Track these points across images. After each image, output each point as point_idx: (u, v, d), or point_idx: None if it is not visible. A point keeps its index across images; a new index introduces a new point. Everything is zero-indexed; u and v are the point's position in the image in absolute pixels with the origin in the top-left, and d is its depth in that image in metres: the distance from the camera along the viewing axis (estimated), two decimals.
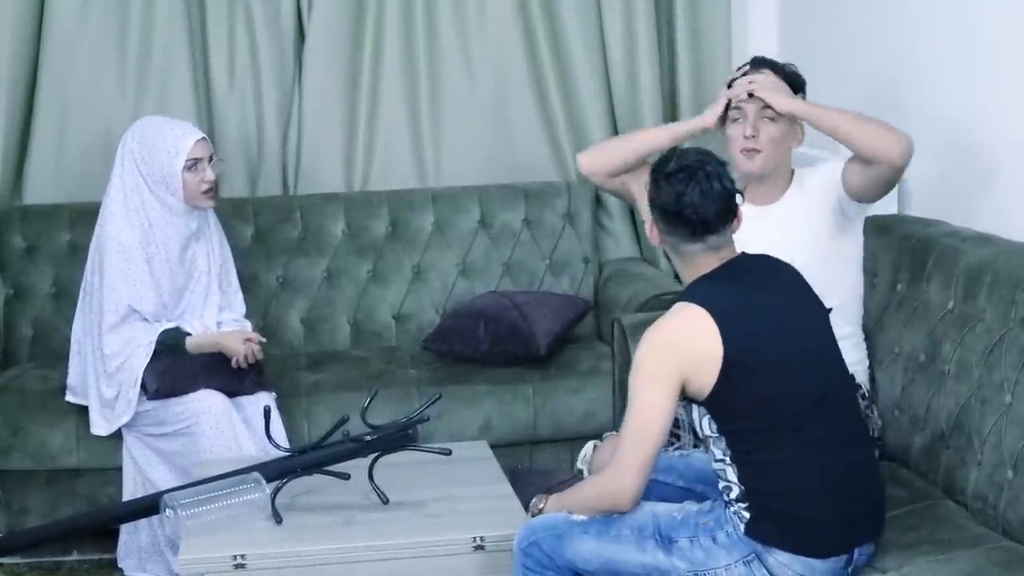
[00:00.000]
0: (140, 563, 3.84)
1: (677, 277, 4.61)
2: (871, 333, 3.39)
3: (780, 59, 4.55)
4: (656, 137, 3.46)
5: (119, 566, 3.88)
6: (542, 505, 2.85)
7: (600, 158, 3.52)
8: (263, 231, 4.53)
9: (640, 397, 2.61)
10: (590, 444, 3.21)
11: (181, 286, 3.87)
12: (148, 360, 3.75)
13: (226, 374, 3.82)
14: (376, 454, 3.16)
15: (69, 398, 3.94)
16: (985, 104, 3.37)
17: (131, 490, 3.84)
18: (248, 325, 4.05)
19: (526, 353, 4.18)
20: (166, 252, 3.81)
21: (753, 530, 2.60)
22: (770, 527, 2.59)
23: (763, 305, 2.66)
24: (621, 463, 2.63)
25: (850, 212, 3.31)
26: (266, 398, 3.86)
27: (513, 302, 4.28)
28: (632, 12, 4.68)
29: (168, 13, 4.52)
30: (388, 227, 4.60)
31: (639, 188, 3.19)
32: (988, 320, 2.94)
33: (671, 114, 4.80)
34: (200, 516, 3.03)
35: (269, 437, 3.23)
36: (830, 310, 3.04)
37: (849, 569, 2.64)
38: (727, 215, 2.65)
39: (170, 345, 3.79)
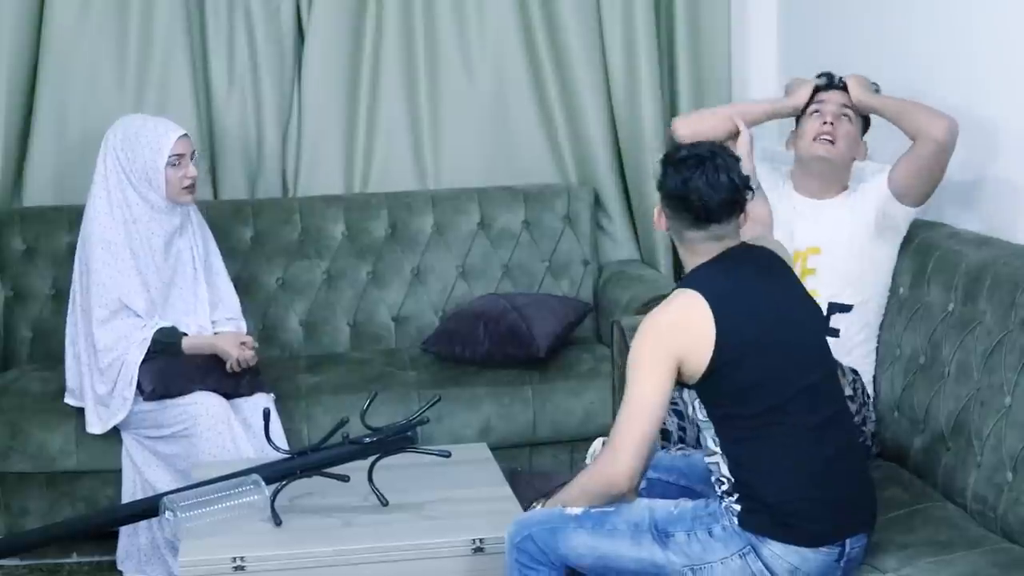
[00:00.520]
0: (139, 565, 3.84)
1: (678, 278, 4.65)
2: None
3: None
4: (752, 110, 3.56)
5: (118, 568, 3.87)
6: (538, 507, 2.85)
7: (700, 124, 3.54)
8: (262, 233, 4.53)
9: (636, 379, 2.63)
10: (599, 440, 3.21)
11: (168, 281, 3.88)
12: (143, 357, 3.75)
13: (222, 375, 3.83)
14: (376, 456, 3.16)
15: (68, 400, 3.94)
16: (985, 105, 3.37)
17: (130, 492, 3.84)
18: (243, 323, 4.06)
19: (526, 355, 4.18)
20: (150, 247, 3.83)
21: (745, 521, 2.62)
22: (761, 517, 2.61)
23: (757, 293, 2.69)
24: (615, 444, 2.64)
25: (893, 214, 3.33)
26: (264, 400, 3.86)
27: (513, 304, 4.28)
28: (631, 14, 4.68)
29: (167, 16, 4.52)
30: (388, 229, 4.60)
31: None
32: (988, 322, 2.94)
33: (671, 115, 4.79)
34: (200, 518, 3.03)
35: (269, 439, 3.23)
36: (850, 307, 3.06)
37: (842, 562, 2.65)
38: (732, 207, 2.67)
39: (166, 344, 3.80)
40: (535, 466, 4.11)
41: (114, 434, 3.87)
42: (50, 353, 4.25)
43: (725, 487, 2.65)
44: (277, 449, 3.25)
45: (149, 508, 3.28)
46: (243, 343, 3.85)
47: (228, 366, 3.82)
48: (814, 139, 3.40)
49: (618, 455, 2.63)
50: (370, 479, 3.13)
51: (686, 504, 2.72)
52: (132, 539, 3.84)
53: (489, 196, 4.66)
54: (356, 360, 4.38)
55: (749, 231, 2.81)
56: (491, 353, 4.20)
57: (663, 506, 2.72)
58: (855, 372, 3.30)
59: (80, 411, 3.89)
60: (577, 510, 2.74)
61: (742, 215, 2.70)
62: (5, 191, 4.51)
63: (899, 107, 3.35)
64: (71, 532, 3.64)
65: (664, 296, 4.08)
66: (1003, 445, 2.80)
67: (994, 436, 2.82)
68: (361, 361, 4.36)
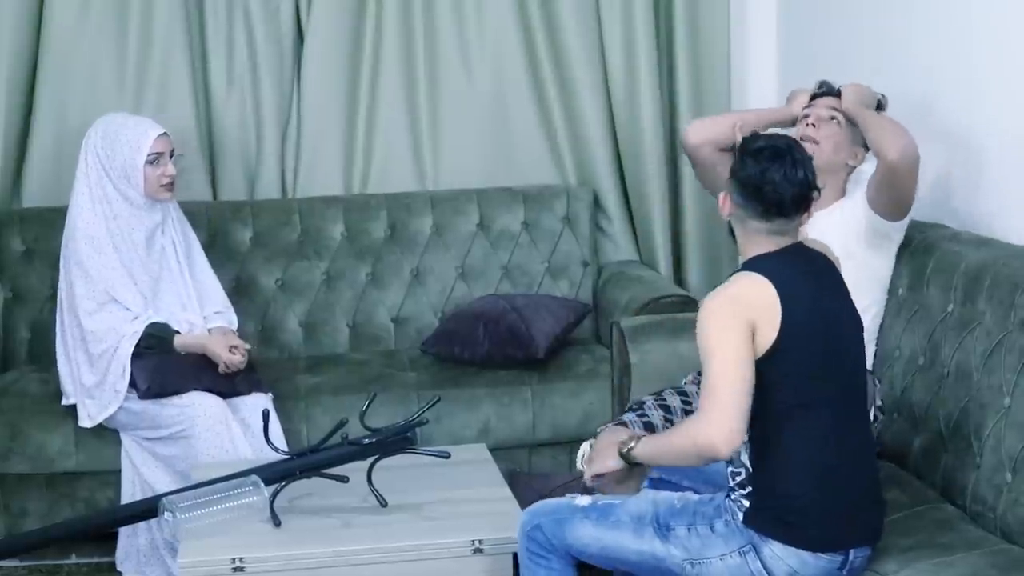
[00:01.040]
0: (139, 566, 3.84)
1: (678, 279, 4.66)
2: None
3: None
4: (752, 118, 3.57)
5: (118, 569, 3.87)
6: (632, 444, 2.77)
7: (709, 131, 3.58)
8: (262, 234, 4.53)
9: (716, 346, 2.56)
10: (586, 443, 3.22)
11: (156, 276, 3.90)
12: (132, 350, 3.77)
13: (217, 374, 3.84)
14: (375, 457, 3.16)
15: (64, 401, 3.94)
16: (984, 107, 3.37)
17: (130, 493, 3.84)
18: (232, 315, 4.07)
19: (525, 356, 4.18)
20: (132, 242, 3.86)
21: (751, 518, 2.62)
22: (768, 516, 2.60)
23: (813, 290, 2.66)
24: (708, 408, 2.54)
25: (879, 228, 3.31)
26: (263, 400, 3.86)
27: (512, 305, 4.28)
28: (631, 14, 4.68)
29: (167, 17, 4.52)
30: (387, 230, 4.60)
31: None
32: (987, 323, 2.94)
33: (670, 117, 4.80)
34: (199, 519, 3.03)
35: (268, 440, 3.23)
36: None
37: (844, 571, 2.64)
38: (801, 203, 2.66)
39: (159, 337, 3.81)
40: (534, 467, 4.11)
41: (113, 435, 3.87)
42: (49, 354, 4.24)
43: (741, 477, 2.64)
44: (276, 450, 3.25)
45: (148, 509, 3.28)
46: (233, 346, 3.86)
47: (221, 367, 3.83)
48: (799, 139, 3.38)
49: (712, 417, 2.53)
50: (369, 480, 3.13)
51: (691, 497, 2.73)
52: (131, 540, 3.84)
53: (488, 197, 4.66)
54: (355, 361, 4.38)
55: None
56: (490, 354, 4.20)
57: (667, 499, 2.74)
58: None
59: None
60: (584, 502, 2.77)
61: (806, 214, 2.69)
62: (4, 192, 4.51)
63: (869, 122, 3.33)
64: (70, 533, 3.64)
65: (662, 299, 4.15)
66: (1002, 446, 2.80)
67: (993, 437, 2.82)
68: (360, 362, 4.36)
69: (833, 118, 3.41)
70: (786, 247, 2.68)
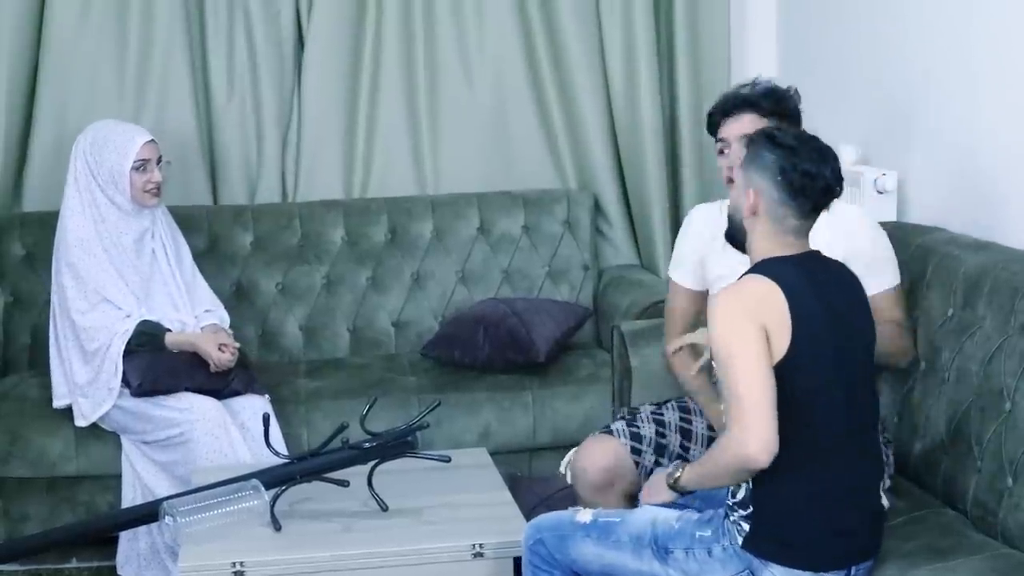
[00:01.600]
0: (139, 570, 3.84)
1: None
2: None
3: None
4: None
5: (118, 573, 3.87)
6: (678, 474, 2.73)
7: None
8: (262, 238, 4.53)
9: (736, 354, 2.51)
10: (572, 451, 3.23)
11: (146, 277, 3.92)
12: (124, 348, 3.78)
13: (211, 372, 3.85)
14: (375, 461, 3.16)
15: (56, 404, 3.94)
16: (983, 110, 3.37)
17: (130, 497, 3.84)
18: (223, 313, 4.09)
19: (525, 360, 4.18)
20: (121, 246, 3.90)
21: (751, 542, 2.58)
22: (769, 538, 2.56)
23: (827, 302, 2.60)
24: (739, 419, 2.49)
25: None
26: (260, 403, 3.87)
27: (512, 309, 4.28)
28: (631, 19, 4.68)
29: (168, 21, 4.53)
30: (387, 234, 4.60)
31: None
32: (987, 327, 2.94)
33: (671, 120, 4.80)
34: (199, 523, 3.03)
35: (268, 444, 3.23)
36: None
37: None
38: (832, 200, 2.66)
39: (150, 335, 3.83)
40: (535, 471, 4.10)
41: (114, 439, 3.88)
42: (49, 359, 4.25)
43: (740, 496, 2.60)
44: (277, 454, 3.25)
45: (149, 513, 3.28)
46: (223, 345, 3.87)
47: (212, 367, 3.85)
48: (726, 181, 3.16)
49: (750, 427, 2.47)
50: (370, 484, 3.13)
51: (689, 517, 2.69)
52: (132, 544, 3.84)
53: (489, 201, 4.67)
54: (356, 365, 4.38)
55: None
56: (491, 358, 4.20)
57: (665, 519, 2.70)
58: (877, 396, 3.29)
59: None
60: (586, 518, 2.76)
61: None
62: (5, 196, 4.51)
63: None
64: (71, 537, 3.64)
65: (663, 303, 4.13)
66: (1003, 451, 2.79)
67: (994, 442, 2.82)
68: (361, 366, 4.36)
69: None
70: (803, 252, 2.64)
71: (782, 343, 2.52)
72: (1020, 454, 2.75)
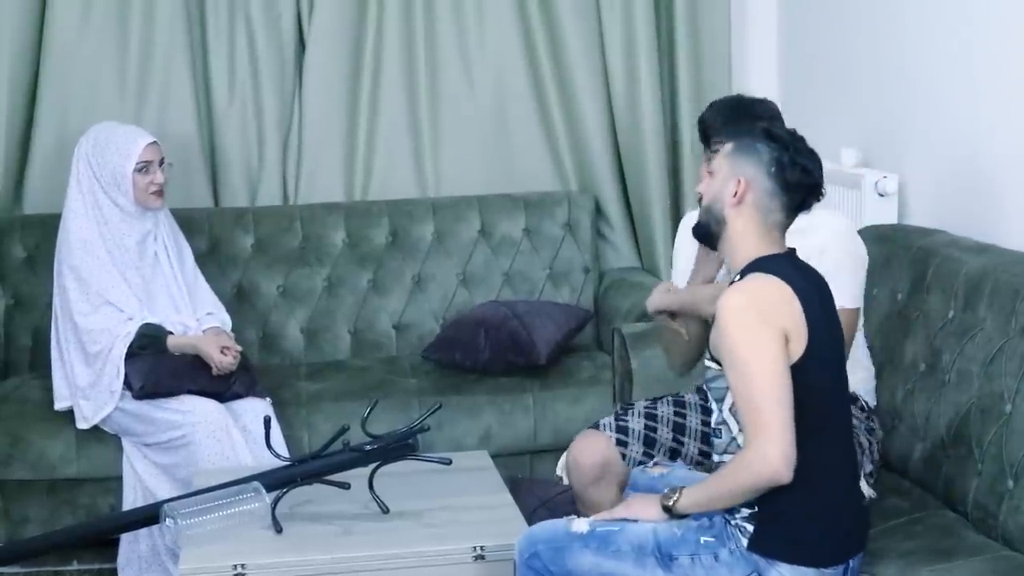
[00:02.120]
0: (140, 572, 3.84)
1: None
2: (871, 342, 3.39)
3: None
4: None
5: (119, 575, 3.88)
6: (675, 498, 2.63)
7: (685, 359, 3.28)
8: (263, 241, 4.54)
9: (751, 355, 2.44)
10: (565, 453, 3.23)
11: (149, 279, 3.92)
12: (126, 350, 3.78)
13: (211, 375, 3.85)
14: (376, 464, 3.16)
15: (58, 406, 3.94)
16: (983, 113, 3.37)
17: (131, 499, 3.84)
18: (225, 316, 4.09)
19: (526, 362, 4.18)
20: (124, 247, 3.89)
21: (756, 544, 2.55)
22: (775, 539, 2.54)
23: (819, 299, 2.59)
24: (759, 433, 2.42)
25: None
26: (262, 406, 3.87)
27: (513, 311, 4.28)
28: (632, 21, 4.69)
29: (168, 24, 4.53)
30: (388, 237, 4.60)
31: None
32: (988, 329, 2.94)
33: (671, 122, 4.80)
34: (200, 525, 3.03)
35: (269, 446, 3.23)
36: None
37: None
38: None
39: (152, 337, 3.83)
40: (536, 473, 4.11)
41: (115, 442, 3.88)
42: (51, 361, 4.25)
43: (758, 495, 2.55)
44: (278, 456, 3.25)
45: (150, 515, 3.28)
46: (225, 348, 3.87)
47: (214, 369, 3.85)
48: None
49: (771, 443, 2.41)
50: (371, 486, 3.13)
51: (690, 523, 2.63)
52: (133, 546, 3.84)
53: (489, 204, 4.67)
54: (357, 367, 4.38)
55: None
56: (492, 360, 4.20)
57: (666, 526, 2.64)
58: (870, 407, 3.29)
59: None
60: (583, 528, 2.68)
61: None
62: (6, 198, 4.52)
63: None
64: (72, 539, 3.64)
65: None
66: (1003, 453, 2.79)
67: (994, 444, 2.82)
68: (362, 368, 4.36)
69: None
70: (787, 252, 2.62)
71: (799, 345, 2.48)
72: (1021, 456, 2.75)
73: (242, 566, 2.90)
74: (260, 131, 4.68)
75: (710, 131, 3.12)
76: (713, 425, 2.66)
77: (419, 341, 4.53)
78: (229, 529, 3.04)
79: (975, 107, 3.40)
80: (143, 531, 3.74)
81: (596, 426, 3.23)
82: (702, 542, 2.60)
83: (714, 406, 2.64)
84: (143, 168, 3.87)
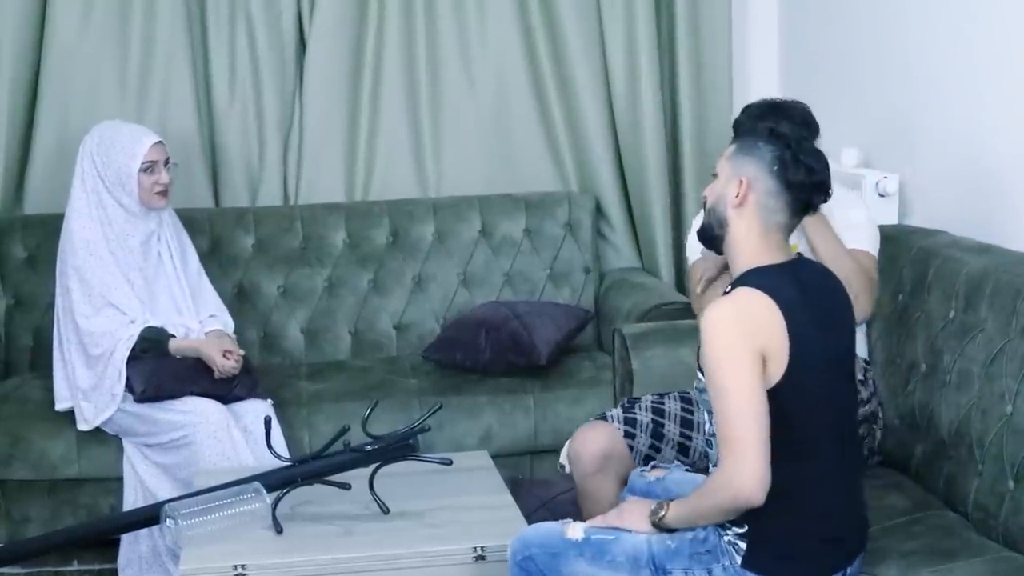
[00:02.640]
0: (140, 573, 3.84)
1: (679, 286, 4.65)
2: (871, 343, 3.39)
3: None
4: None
5: None
6: (663, 513, 2.62)
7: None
8: (264, 241, 4.54)
9: (729, 373, 2.42)
10: (568, 442, 3.24)
11: (152, 280, 3.91)
12: (128, 354, 3.78)
13: (214, 378, 3.85)
14: (377, 464, 3.16)
15: (58, 407, 3.94)
16: (985, 113, 3.37)
17: (132, 500, 3.84)
18: (228, 318, 4.09)
19: (527, 363, 4.18)
20: (127, 248, 3.88)
21: (750, 561, 2.53)
22: (768, 555, 2.52)
23: (816, 311, 2.54)
24: (736, 452, 2.41)
25: None
26: (263, 407, 3.87)
27: (514, 312, 4.28)
28: (633, 22, 4.69)
29: (169, 24, 4.53)
30: (389, 237, 4.60)
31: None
32: (989, 330, 2.94)
33: (672, 123, 4.80)
34: (201, 526, 3.03)
35: (270, 447, 3.23)
36: None
37: None
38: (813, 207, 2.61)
39: (153, 341, 3.82)
40: (536, 474, 4.10)
41: (115, 442, 3.88)
42: (51, 361, 4.25)
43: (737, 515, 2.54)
44: (278, 457, 3.25)
45: (150, 516, 3.28)
46: (227, 351, 3.86)
47: (216, 373, 3.84)
48: None
49: (742, 466, 2.40)
50: (371, 487, 3.13)
51: (684, 536, 2.61)
52: (133, 547, 3.84)
53: (490, 204, 4.67)
54: (357, 368, 4.38)
55: None
56: (492, 361, 4.20)
57: (660, 538, 2.62)
58: (867, 361, 3.29)
59: None
60: (578, 536, 2.66)
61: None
62: (7, 199, 4.52)
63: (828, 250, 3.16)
64: (72, 540, 3.64)
65: (664, 306, 4.15)
66: (1004, 453, 2.79)
67: (995, 444, 2.82)
68: (362, 369, 4.36)
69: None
70: (788, 260, 2.58)
71: (779, 366, 2.45)
72: (1021, 457, 2.75)
73: (242, 566, 2.90)
74: (261, 131, 4.68)
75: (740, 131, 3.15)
76: (706, 435, 2.65)
77: (419, 341, 4.53)
78: (230, 529, 3.04)
79: (976, 107, 3.40)
80: (144, 531, 3.74)
81: (603, 417, 3.24)
82: (696, 557, 2.58)
83: (705, 416, 2.62)
84: (148, 168, 3.85)
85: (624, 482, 3.13)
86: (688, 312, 4.12)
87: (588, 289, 4.67)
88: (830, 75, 4.19)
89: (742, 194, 2.56)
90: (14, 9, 4.44)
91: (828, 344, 2.56)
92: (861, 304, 3.12)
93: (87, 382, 3.83)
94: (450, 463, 3.22)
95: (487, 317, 4.30)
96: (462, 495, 3.25)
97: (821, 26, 4.29)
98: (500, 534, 2.95)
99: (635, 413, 3.23)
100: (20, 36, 4.47)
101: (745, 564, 2.54)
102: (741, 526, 2.53)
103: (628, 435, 3.19)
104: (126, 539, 3.85)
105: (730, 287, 2.56)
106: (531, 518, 3.20)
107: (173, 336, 3.87)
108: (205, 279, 4.10)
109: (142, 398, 3.78)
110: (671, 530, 2.62)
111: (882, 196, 3.72)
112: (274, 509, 3.08)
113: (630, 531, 2.64)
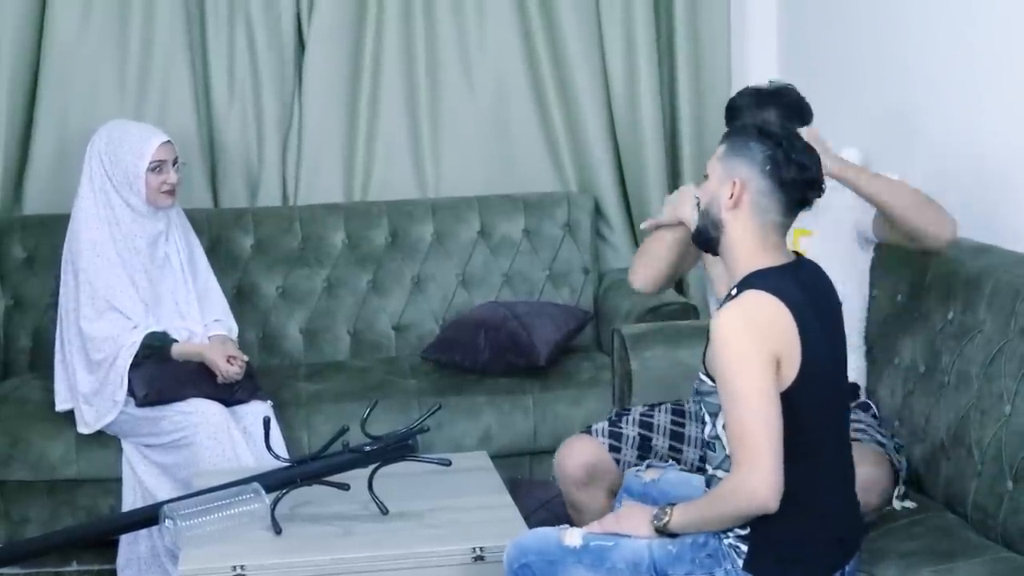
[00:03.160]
0: (140, 573, 3.84)
1: (679, 287, 4.65)
2: (871, 344, 3.39)
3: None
4: (675, 231, 3.30)
5: None
6: (667, 518, 2.58)
7: (648, 271, 3.38)
8: (263, 241, 4.54)
9: (744, 375, 2.40)
10: (557, 452, 3.24)
11: (157, 282, 3.90)
12: (131, 361, 3.77)
13: (216, 382, 3.84)
14: (376, 465, 3.16)
15: (59, 407, 3.94)
16: (985, 113, 3.37)
17: (131, 501, 3.84)
18: (232, 323, 4.08)
19: (526, 363, 4.18)
20: (134, 249, 3.86)
21: (752, 564, 2.52)
22: (771, 557, 2.51)
23: (819, 312, 2.54)
24: (750, 458, 2.38)
25: (868, 237, 3.30)
26: (263, 408, 3.87)
27: (513, 312, 4.28)
28: (632, 22, 4.69)
29: (168, 25, 4.53)
30: (388, 237, 4.60)
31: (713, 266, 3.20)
32: (988, 331, 2.94)
33: (671, 124, 4.80)
34: (200, 526, 3.03)
35: (269, 447, 3.23)
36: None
37: None
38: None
39: (156, 347, 3.81)
40: (535, 474, 4.10)
41: (114, 443, 3.88)
42: (51, 362, 4.25)
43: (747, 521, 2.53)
44: (277, 457, 3.25)
45: (149, 516, 3.28)
46: (231, 356, 3.86)
47: (219, 378, 3.83)
48: None
49: (757, 472, 2.38)
50: (370, 487, 3.13)
51: (685, 541, 2.59)
52: (132, 547, 3.84)
53: (489, 204, 4.67)
54: (356, 368, 4.38)
55: None
56: (491, 361, 4.20)
57: (660, 543, 2.60)
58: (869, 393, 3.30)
59: None
60: (576, 542, 2.63)
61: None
62: (5, 199, 4.51)
63: (888, 193, 3.07)
64: (71, 540, 3.64)
65: (664, 307, 4.15)
66: (1003, 454, 2.79)
67: (994, 445, 2.82)
68: (361, 369, 4.36)
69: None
70: (790, 262, 2.56)
71: (792, 368, 2.44)
72: (1020, 458, 2.75)
73: (241, 567, 2.90)
74: (260, 132, 4.68)
75: (736, 114, 3.14)
76: (707, 438, 2.64)
77: (419, 342, 4.53)
78: (228, 530, 3.04)
79: (976, 107, 3.40)
80: (143, 532, 3.74)
81: (588, 431, 3.24)
82: (697, 561, 2.56)
83: (707, 419, 2.60)
84: (156, 168, 3.83)
85: (612, 494, 3.11)
86: (688, 313, 4.13)
87: (587, 289, 4.67)
88: (830, 75, 4.18)
89: (736, 195, 2.55)
90: (14, 9, 4.44)
91: (831, 343, 2.56)
92: (944, 220, 3.06)
93: (88, 387, 3.82)
94: (449, 464, 3.22)
95: (486, 317, 4.30)
96: (461, 496, 3.25)
97: (820, 27, 4.29)
98: (499, 535, 2.95)
99: (621, 427, 3.21)
100: (20, 36, 4.47)
101: (747, 567, 2.53)
102: (744, 528, 2.52)
103: (613, 448, 3.18)
104: (125, 540, 3.84)
105: (734, 290, 2.54)
106: (530, 519, 3.20)
107: (175, 341, 3.87)
108: (213, 281, 4.09)
109: (144, 403, 3.77)
110: (673, 535, 2.60)
111: None
112: (273, 510, 3.07)
113: (629, 536, 2.63)
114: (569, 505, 3.24)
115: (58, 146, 4.52)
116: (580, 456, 3.18)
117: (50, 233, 4.38)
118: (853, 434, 2.78)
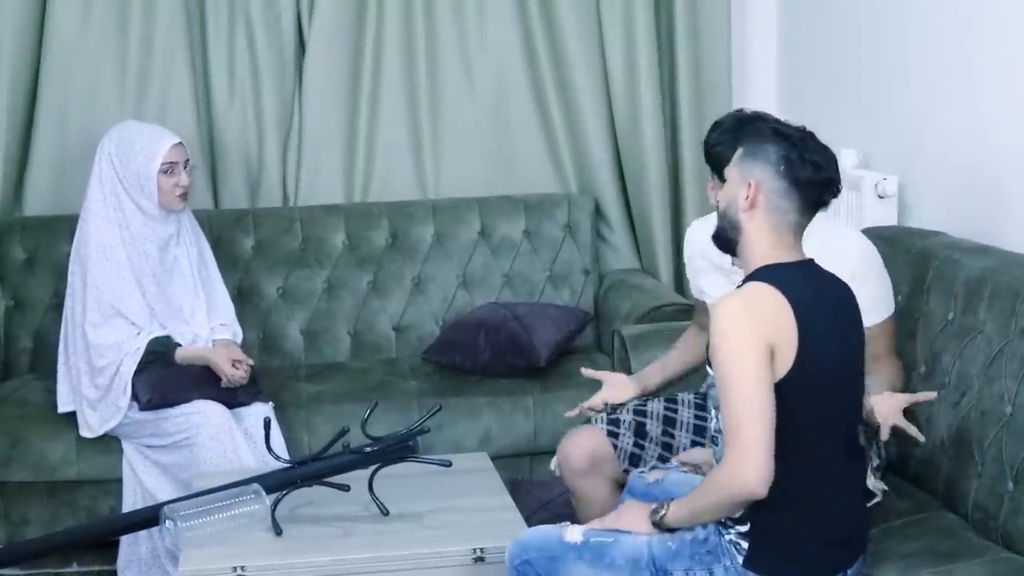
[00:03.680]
0: (140, 574, 3.83)
1: (679, 287, 4.65)
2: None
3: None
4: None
5: None
6: (663, 512, 2.61)
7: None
8: (263, 242, 4.54)
9: (740, 365, 2.42)
10: (558, 447, 3.26)
11: (165, 286, 3.88)
12: (135, 367, 3.76)
13: (219, 386, 3.83)
14: (376, 466, 3.16)
15: (61, 408, 3.94)
16: (984, 114, 3.37)
17: (131, 501, 3.84)
18: (237, 328, 4.07)
19: (526, 364, 4.18)
20: (144, 253, 3.84)
21: (752, 561, 2.53)
22: (771, 555, 2.52)
23: (827, 311, 2.55)
24: (741, 446, 2.40)
25: None
26: (264, 409, 3.87)
27: (513, 313, 4.28)
28: (632, 23, 4.69)
29: (168, 25, 4.53)
30: (388, 238, 4.60)
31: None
32: (988, 331, 2.94)
33: (671, 125, 4.80)
34: (200, 527, 3.03)
35: (269, 448, 3.23)
36: None
37: None
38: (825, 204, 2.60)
39: (160, 352, 3.80)
40: (536, 475, 4.10)
41: (115, 443, 3.88)
42: (51, 362, 4.24)
43: (736, 512, 2.54)
44: (278, 458, 3.25)
45: (150, 517, 3.28)
46: (236, 360, 3.85)
47: (223, 381, 3.83)
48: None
49: (747, 459, 2.40)
50: (371, 488, 3.13)
51: (684, 536, 2.60)
52: (133, 548, 3.84)
53: (489, 205, 4.67)
54: (357, 369, 4.38)
55: None
56: (492, 362, 4.20)
57: (660, 539, 2.61)
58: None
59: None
60: (577, 539, 2.65)
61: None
62: (6, 200, 4.51)
63: None
64: (72, 541, 3.65)
65: (664, 307, 4.15)
66: (1004, 454, 2.79)
67: (994, 446, 2.82)
68: (362, 370, 4.36)
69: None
70: (801, 261, 2.57)
71: (786, 361, 2.45)
72: (1021, 458, 2.75)
73: (242, 568, 2.90)
74: (260, 132, 4.68)
75: (720, 149, 3.02)
76: (712, 432, 2.65)
77: (419, 343, 4.53)
78: (229, 531, 3.04)
79: (976, 108, 3.40)
80: (143, 533, 3.74)
81: (588, 422, 3.29)
82: (697, 557, 2.57)
83: (712, 412, 2.61)
84: (168, 170, 3.81)
85: (615, 483, 3.14)
86: (687, 313, 4.12)
87: (587, 290, 4.67)
88: (829, 77, 4.19)
89: (751, 197, 2.56)
90: (14, 9, 4.44)
91: (838, 342, 2.56)
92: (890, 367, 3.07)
93: (92, 393, 3.82)
94: (449, 464, 3.22)
95: (486, 318, 4.30)
96: (461, 496, 3.25)
97: (820, 28, 4.29)
98: (499, 535, 2.95)
99: (617, 414, 3.27)
100: (20, 36, 4.47)
101: (747, 564, 2.53)
102: (744, 524, 2.53)
103: (612, 434, 3.21)
104: (125, 541, 3.84)
105: (742, 283, 2.56)
106: (531, 519, 3.20)
107: (179, 345, 3.86)
108: (220, 284, 4.08)
109: (147, 407, 3.77)
110: (672, 530, 2.61)
111: (881, 197, 3.72)
112: (273, 511, 3.08)
113: (629, 533, 2.64)
114: (573, 497, 3.25)
115: (59, 148, 4.52)
116: (583, 445, 3.21)
117: (50, 234, 4.39)
118: None
